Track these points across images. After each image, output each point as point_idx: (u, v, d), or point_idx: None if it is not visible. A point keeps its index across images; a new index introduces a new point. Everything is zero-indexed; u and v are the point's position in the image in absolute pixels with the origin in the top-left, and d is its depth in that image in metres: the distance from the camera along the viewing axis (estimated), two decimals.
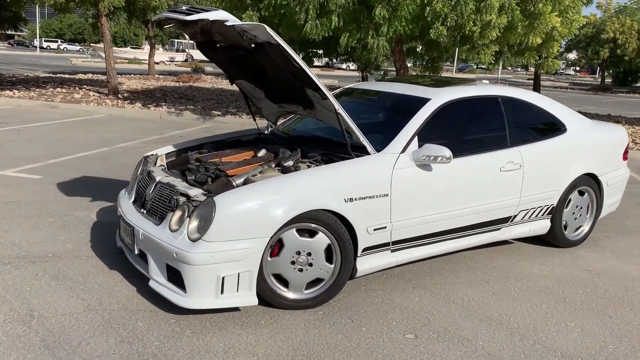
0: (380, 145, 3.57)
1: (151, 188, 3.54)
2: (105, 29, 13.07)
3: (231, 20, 3.11)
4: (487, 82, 4.60)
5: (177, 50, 45.78)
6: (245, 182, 3.38)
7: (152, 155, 4.10)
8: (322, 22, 8.68)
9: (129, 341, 2.87)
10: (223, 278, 3.02)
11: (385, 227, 3.50)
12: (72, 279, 3.56)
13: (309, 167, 3.58)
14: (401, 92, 4.10)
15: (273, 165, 3.57)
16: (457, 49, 10.54)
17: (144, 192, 3.63)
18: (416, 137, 3.65)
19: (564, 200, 4.45)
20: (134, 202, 3.73)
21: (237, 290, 3.08)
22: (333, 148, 3.74)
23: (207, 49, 4.00)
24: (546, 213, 4.40)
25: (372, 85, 4.56)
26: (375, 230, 3.46)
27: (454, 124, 3.99)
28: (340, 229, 3.27)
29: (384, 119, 4.17)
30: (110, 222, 4.67)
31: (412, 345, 2.97)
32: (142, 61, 35.37)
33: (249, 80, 4.07)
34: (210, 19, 3.11)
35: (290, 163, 3.58)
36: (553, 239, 4.55)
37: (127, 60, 36.46)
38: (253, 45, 3.42)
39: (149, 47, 24.11)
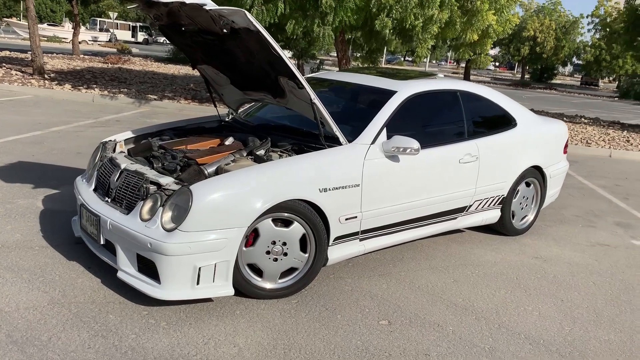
0: (350, 136, 3.61)
1: (115, 176, 3.40)
2: (29, 3, 12.27)
3: (209, 4, 3.03)
4: (442, 75, 4.74)
5: (101, 30, 43.70)
6: (217, 171, 3.33)
7: (111, 141, 3.94)
8: (267, 8, 8.59)
9: (103, 335, 2.76)
10: (200, 268, 2.96)
11: (355, 217, 3.55)
12: (28, 270, 3.37)
13: (280, 156, 3.56)
14: (367, 84, 4.15)
15: (245, 154, 3.53)
16: (396, 41, 10.75)
17: (106, 180, 3.48)
18: (385, 128, 3.72)
19: (513, 190, 4.68)
20: (95, 190, 3.57)
21: (214, 281, 3.03)
22: (303, 138, 3.74)
23: (171, 32, 3.87)
24: (497, 203, 4.62)
25: (335, 75, 4.58)
26: (346, 219, 3.50)
27: (418, 117, 4.09)
28: (315, 219, 3.29)
29: (351, 110, 4.21)
30: (59, 210, 4.45)
31: (387, 331, 3.05)
32: (63, 40, 33.53)
33: (214, 66, 3.98)
34: (187, 2, 3.02)
35: (262, 152, 3.55)
36: (502, 228, 4.78)
37: (45, 38, 34.40)
38: (225, 31, 3.35)
39: (69, 24, 22.91)
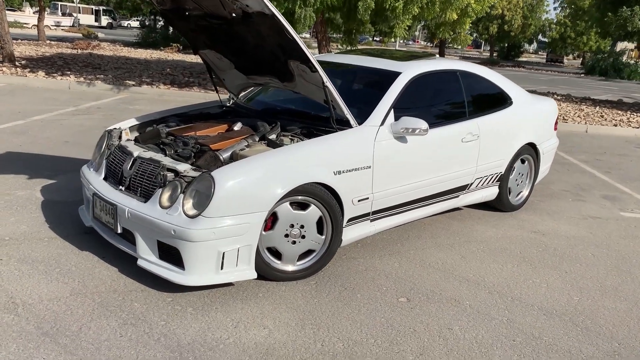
0: (358, 119, 3.64)
1: (128, 164, 3.37)
2: None
3: None
4: (437, 56, 4.80)
5: (63, 14, 42.41)
6: (231, 157, 3.33)
7: (116, 129, 3.89)
8: None
9: (132, 323, 2.77)
10: (223, 253, 2.99)
11: (367, 198, 3.61)
12: (43, 262, 3.33)
13: (292, 140, 3.58)
14: (370, 66, 4.18)
15: (257, 139, 3.54)
16: (374, 21, 10.77)
17: (118, 168, 3.45)
18: (392, 110, 3.77)
19: (510, 167, 4.80)
20: (105, 178, 3.54)
21: (237, 265, 3.06)
22: (311, 121, 3.77)
23: (173, 17, 3.82)
24: (495, 180, 4.73)
25: (335, 57, 4.59)
26: (359, 201, 3.56)
27: (422, 97, 4.14)
28: (332, 201, 3.34)
29: (356, 92, 4.23)
30: (60, 200, 4.39)
31: (407, 307, 3.13)
32: (25, 25, 32.49)
33: (217, 51, 3.95)
34: None
35: (274, 137, 3.56)
36: (499, 204, 4.91)
37: None
38: (234, 15, 3.33)
39: (29, 9, 22.20)
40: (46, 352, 2.49)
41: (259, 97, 4.51)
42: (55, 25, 36.73)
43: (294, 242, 3.28)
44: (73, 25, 38.13)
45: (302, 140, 3.56)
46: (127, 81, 11.07)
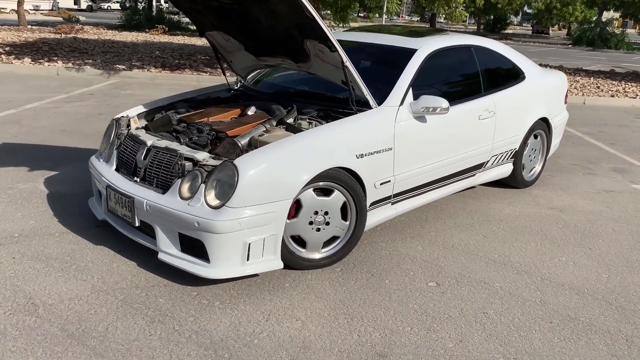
0: (376, 99, 3.52)
1: (142, 154, 3.23)
2: None
3: None
4: (448, 31, 4.67)
5: None
6: (250, 143, 3.21)
7: (123, 117, 3.73)
8: None
9: (160, 320, 2.66)
10: (249, 244, 2.88)
11: (389, 181, 3.51)
12: (57, 259, 3.21)
13: (310, 124, 3.46)
14: (384, 43, 4.04)
15: (274, 124, 3.40)
16: None
17: (131, 159, 3.31)
18: (411, 88, 3.65)
19: (524, 143, 4.72)
20: (117, 169, 3.40)
21: (263, 256, 2.96)
22: (328, 103, 3.64)
23: None
24: (510, 157, 4.65)
25: (345, 35, 4.43)
26: (381, 184, 3.46)
27: (438, 74, 4.02)
28: (356, 186, 3.23)
29: (371, 71, 4.08)
30: (65, 193, 4.24)
31: (439, 292, 3.06)
32: (2, 10, 31.67)
33: (226, 32, 3.78)
34: None
35: (291, 121, 3.43)
36: (513, 181, 4.83)
37: None
38: None
39: None
40: (75, 355, 2.38)
41: (268, 79, 4.37)
42: (33, 9, 35.84)
43: (318, 230, 3.18)
44: (52, 9, 37.26)
45: (320, 123, 3.44)
46: (116, 65, 10.80)
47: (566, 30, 50.87)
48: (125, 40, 16.43)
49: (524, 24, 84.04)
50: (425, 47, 3.90)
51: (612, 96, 10.58)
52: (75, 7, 45.17)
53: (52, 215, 3.82)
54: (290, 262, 3.12)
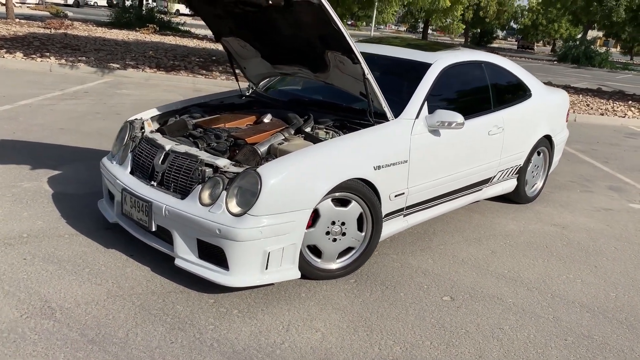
0: (393, 111, 3.54)
1: (160, 158, 3.21)
2: None
3: None
4: (461, 47, 4.72)
5: None
6: (269, 151, 3.20)
7: (137, 119, 3.70)
8: None
9: (180, 327, 2.64)
10: (269, 253, 2.87)
11: (403, 193, 3.53)
12: (70, 261, 3.16)
13: (327, 133, 3.46)
14: (399, 56, 4.07)
15: (292, 132, 3.40)
16: (372, 7, 10.63)
17: (147, 162, 3.28)
18: (426, 102, 3.68)
19: (528, 160, 4.78)
20: (132, 172, 3.37)
21: (281, 265, 2.95)
22: (344, 113, 3.65)
23: (199, 2, 3.64)
24: (515, 173, 4.71)
25: (359, 47, 4.44)
26: (395, 196, 3.48)
27: (451, 89, 4.07)
28: (373, 197, 3.24)
29: (386, 84, 4.09)
30: (70, 193, 4.18)
31: (453, 307, 3.08)
32: None
33: (243, 38, 3.78)
34: None
35: (309, 130, 3.44)
36: (516, 197, 4.89)
37: None
38: (271, 2, 3.18)
39: None
40: None
41: (280, 87, 4.37)
42: (20, 2, 35.28)
43: (334, 240, 3.19)
44: (39, 3, 36.74)
45: (337, 133, 3.45)
46: (110, 64, 10.69)
47: (551, 46, 51.70)
48: (116, 38, 16.28)
49: (508, 39, 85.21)
50: (439, 61, 3.94)
51: (602, 114, 10.78)
52: (62, 1, 44.61)
53: (60, 216, 3.76)
54: (306, 271, 3.12)
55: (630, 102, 13.05)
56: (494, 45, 53.98)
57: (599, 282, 3.57)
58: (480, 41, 49.46)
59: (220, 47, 17.17)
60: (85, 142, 5.62)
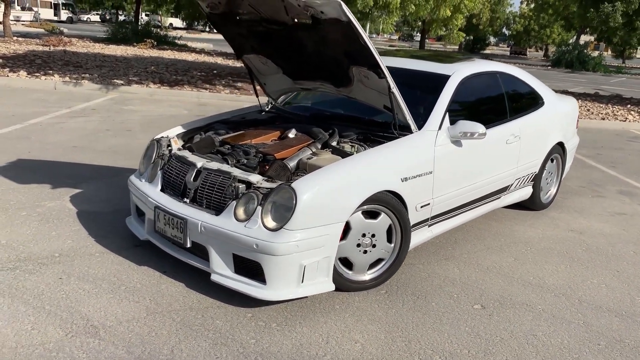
0: (416, 123, 3.60)
1: (192, 175, 3.25)
2: None
3: None
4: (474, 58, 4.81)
5: (22, 8, 40.88)
6: (298, 165, 3.26)
7: (164, 137, 3.75)
8: None
9: (223, 342, 2.68)
10: (305, 266, 2.91)
11: (428, 204, 3.59)
12: (104, 279, 3.19)
13: (352, 147, 3.52)
14: (417, 68, 4.14)
15: (319, 147, 3.46)
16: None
17: (178, 180, 3.33)
18: (447, 113, 3.75)
19: (542, 167, 4.86)
20: (162, 190, 3.41)
21: (316, 278, 2.99)
22: (367, 126, 3.72)
23: (222, 21, 3.71)
24: (530, 180, 4.78)
25: None
26: (421, 207, 3.53)
27: (469, 100, 4.14)
28: (402, 209, 3.30)
29: (406, 96, 4.17)
30: (95, 211, 4.22)
31: (486, 315, 3.13)
32: None
33: (265, 55, 3.85)
34: None
35: (335, 144, 3.50)
36: (531, 204, 4.95)
37: None
38: (296, 21, 3.25)
39: None
40: None
41: (299, 101, 4.43)
42: (14, 20, 35.34)
43: (365, 252, 3.24)
44: (34, 20, 36.85)
45: (362, 146, 3.51)
46: (114, 80, 10.75)
47: (543, 51, 52.16)
48: (115, 54, 16.34)
49: (499, 45, 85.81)
50: (457, 73, 4.01)
51: (603, 119, 10.90)
52: (56, 18, 44.77)
53: (88, 235, 3.80)
54: (338, 283, 3.16)
55: (629, 105, 13.20)
56: (487, 51, 54.41)
57: (623, 287, 3.63)
58: (474, 48, 49.85)
59: (219, 60, 17.33)
60: (100, 160, 5.66)
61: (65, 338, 2.61)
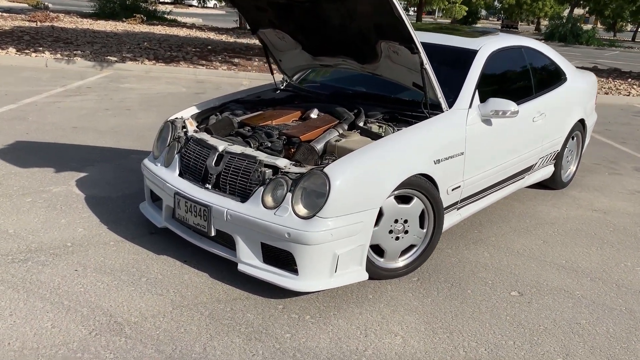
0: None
1: (213, 159, 3.06)
2: None
3: None
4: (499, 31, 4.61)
5: None
6: (325, 148, 3.07)
7: (178, 119, 3.54)
8: None
9: (257, 337, 2.52)
10: (338, 256, 2.75)
11: (459, 187, 3.43)
12: (123, 270, 3.02)
13: (379, 127, 3.34)
14: (442, 43, 3.93)
15: (346, 128, 3.27)
16: None
17: (198, 164, 3.13)
18: (477, 90, 3.57)
19: (564, 145, 4.71)
20: (180, 175, 3.22)
21: (349, 267, 2.84)
22: (393, 105, 3.53)
23: None
24: (552, 158, 4.63)
25: None
26: (452, 190, 3.38)
27: (497, 76, 3.95)
28: (435, 193, 3.14)
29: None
30: (103, 196, 4.02)
31: (524, 302, 3.00)
32: None
33: (284, 30, 3.62)
34: None
35: (362, 125, 3.31)
36: (552, 183, 4.81)
37: None
38: None
39: None
40: None
41: (316, 78, 4.22)
42: None
43: (397, 238, 3.08)
44: None
45: (390, 127, 3.32)
46: (108, 57, 10.41)
47: (534, 25, 51.79)
48: (105, 30, 15.88)
49: (490, 18, 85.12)
50: (485, 47, 3.82)
51: (606, 94, 10.76)
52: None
53: (99, 222, 3.60)
54: (370, 272, 3.00)
55: (629, 80, 13.08)
56: (478, 25, 53.88)
57: None
58: (466, 21, 49.25)
59: (212, 35, 16.91)
60: (102, 141, 5.44)
61: (89, 336, 2.44)
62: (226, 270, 3.04)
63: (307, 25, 3.47)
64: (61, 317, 2.57)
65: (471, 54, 3.74)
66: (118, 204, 3.90)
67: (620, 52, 28.76)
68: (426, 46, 3.83)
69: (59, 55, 10.19)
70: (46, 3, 28.64)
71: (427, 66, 3.14)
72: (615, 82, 12.33)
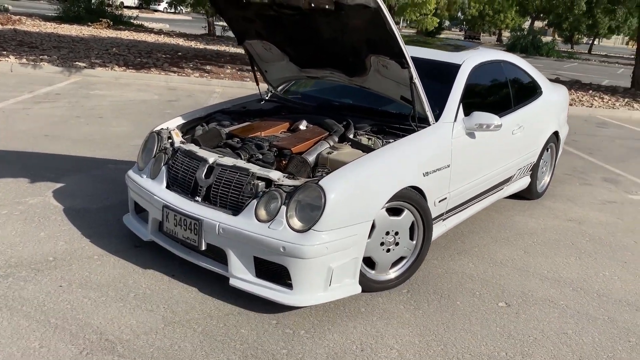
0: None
1: (203, 171, 3.02)
2: None
3: None
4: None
5: None
6: (316, 161, 3.07)
7: (164, 129, 3.49)
8: None
9: (253, 354, 2.49)
10: (333, 269, 2.75)
11: (445, 198, 3.48)
12: (110, 286, 2.94)
13: (369, 140, 3.36)
14: (425, 57, 3.98)
15: (337, 140, 3.28)
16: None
17: (187, 176, 3.09)
18: (461, 104, 3.63)
19: (540, 156, 4.83)
20: (167, 187, 3.17)
21: (342, 281, 2.84)
22: (380, 118, 3.56)
23: (226, 4, 3.46)
24: (529, 170, 4.74)
25: None
26: (439, 201, 3.42)
27: (478, 90, 4.03)
28: (425, 205, 3.17)
29: None
30: (82, 208, 3.92)
31: (512, 313, 3.05)
32: None
33: (271, 42, 3.61)
34: None
35: (352, 136, 3.32)
36: (528, 193, 4.92)
37: None
38: (313, 6, 3.04)
39: None
40: None
41: (299, 90, 4.22)
42: None
43: (388, 250, 3.10)
44: None
45: (379, 139, 3.35)
46: (76, 62, 10.18)
47: (496, 36, 53.02)
48: (71, 34, 15.53)
49: (452, 29, 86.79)
50: (467, 61, 3.89)
51: (570, 105, 11.05)
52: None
53: (81, 235, 3.51)
54: (362, 284, 3.00)
55: (590, 91, 13.50)
56: (442, 36, 54.86)
57: (635, 279, 3.63)
58: (430, 32, 50.09)
59: (181, 42, 16.73)
60: (77, 150, 5.31)
61: (79, 356, 2.37)
62: (216, 285, 3.00)
63: (296, 37, 3.47)
64: (49, 335, 2.48)
65: (454, 68, 3.80)
66: (99, 216, 3.80)
67: (579, 64, 29.70)
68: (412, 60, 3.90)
69: (24, 60, 9.91)
70: (6, 5, 27.85)
71: (417, 80, 3.17)
72: (578, 94, 12.72)
